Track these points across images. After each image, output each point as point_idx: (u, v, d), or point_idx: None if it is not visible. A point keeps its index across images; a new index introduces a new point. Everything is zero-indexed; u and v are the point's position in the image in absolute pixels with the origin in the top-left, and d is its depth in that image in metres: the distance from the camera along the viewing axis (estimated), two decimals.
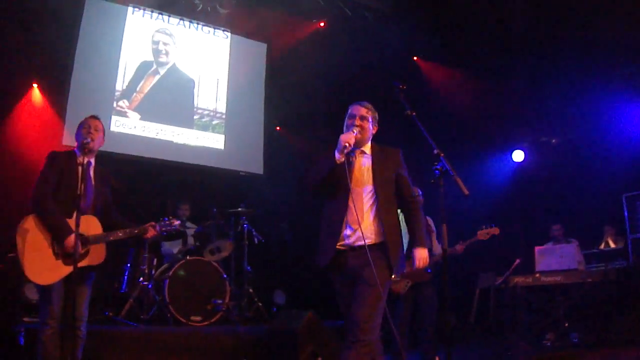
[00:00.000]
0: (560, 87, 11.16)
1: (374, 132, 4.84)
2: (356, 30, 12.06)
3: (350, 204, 4.57)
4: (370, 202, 4.65)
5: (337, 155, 4.47)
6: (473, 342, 9.70)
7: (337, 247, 4.58)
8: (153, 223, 5.48)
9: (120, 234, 5.30)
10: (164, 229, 5.64)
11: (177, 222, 5.75)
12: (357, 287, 4.50)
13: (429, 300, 7.46)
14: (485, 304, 10.63)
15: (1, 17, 8.99)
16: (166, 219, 5.74)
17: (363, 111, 4.75)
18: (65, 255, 5.03)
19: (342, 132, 4.67)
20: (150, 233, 5.47)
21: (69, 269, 4.99)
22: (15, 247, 5.01)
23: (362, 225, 4.51)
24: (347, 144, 4.42)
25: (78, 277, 4.89)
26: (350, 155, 4.60)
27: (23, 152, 8.95)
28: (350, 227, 4.57)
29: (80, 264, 4.95)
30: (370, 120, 4.77)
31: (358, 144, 4.67)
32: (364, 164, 4.74)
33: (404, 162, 4.89)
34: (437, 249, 7.58)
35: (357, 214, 4.49)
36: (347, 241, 4.57)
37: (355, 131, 4.59)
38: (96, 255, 5.11)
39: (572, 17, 10.44)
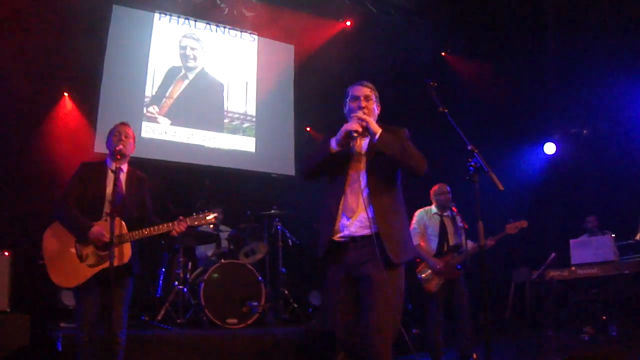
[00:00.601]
0: (591, 77, 11.03)
1: (378, 112, 4.58)
2: (383, 28, 12.02)
3: (349, 190, 4.34)
4: (366, 188, 4.32)
5: (333, 144, 4.31)
6: (510, 337, 9.61)
7: (336, 238, 4.30)
8: (181, 217, 5.47)
9: (145, 232, 5.30)
10: (195, 222, 5.61)
11: (211, 215, 5.72)
12: (361, 286, 4.22)
13: (462, 296, 7.42)
14: (520, 298, 10.55)
15: (31, 28, 9.06)
16: (200, 212, 5.73)
17: (366, 91, 4.47)
18: (89, 258, 5.09)
19: (347, 115, 4.49)
20: (178, 228, 5.43)
21: (93, 271, 5.05)
22: None
23: (359, 214, 4.25)
24: (354, 133, 4.23)
25: (113, 278, 4.91)
26: (351, 140, 4.36)
27: (55, 161, 9.02)
28: (346, 216, 4.30)
29: (104, 265, 5.02)
30: (374, 99, 4.51)
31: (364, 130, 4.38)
32: (364, 147, 4.45)
33: (411, 140, 4.54)
34: (468, 245, 7.53)
35: (358, 201, 4.28)
36: (346, 232, 4.27)
37: (361, 117, 4.29)
38: (120, 256, 5.11)
39: (601, 5, 10.34)
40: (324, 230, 4.36)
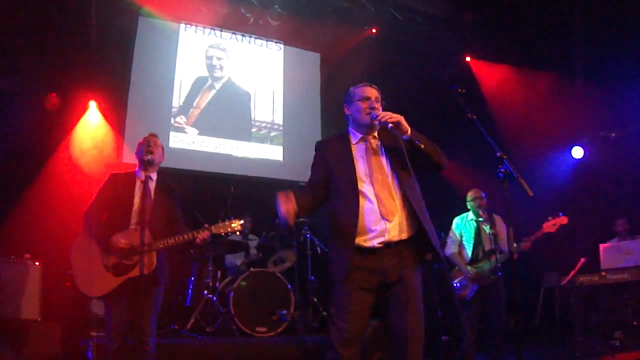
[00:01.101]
0: (619, 79, 10.90)
1: None
2: (408, 35, 12.00)
3: (380, 192, 4.16)
4: (399, 189, 4.22)
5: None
6: (540, 343, 9.51)
7: (368, 244, 4.07)
8: (206, 225, 5.48)
9: (171, 241, 5.31)
10: (221, 230, 5.61)
11: (237, 222, 5.71)
12: (395, 290, 4.10)
13: (496, 302, 7.36)
14: (550, 304, 10.45)
15: (58, 40, 9.15)
16: (226, 219, 5.73)
17: (376, 93, 4.41)
18: (114, 267, 5.11)
19: (356, 115, 4.39)
20: (201, 236, 5.43)
21: (119, 280, 5.10)
22: None
23: (393, 218, 4.12)
24: (392, 125, 4.14)
25: (141, 287, 4.94)
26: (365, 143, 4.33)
27: (83, 171, 9.09)
28: (386, 219, 4.08)
29: (130, 275, 5.09)
30: (380, 101, 4.41)
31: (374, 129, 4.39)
32: (380, 147, 4.38)
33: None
34: (505, 247, 7.47)
35: (395, 203, 4.15)
36: (385, 236, 4.06)
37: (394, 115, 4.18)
38: (146, 264, 5.13)
39: (630, 7, 10.23)
40: (342, 247, 4.13)
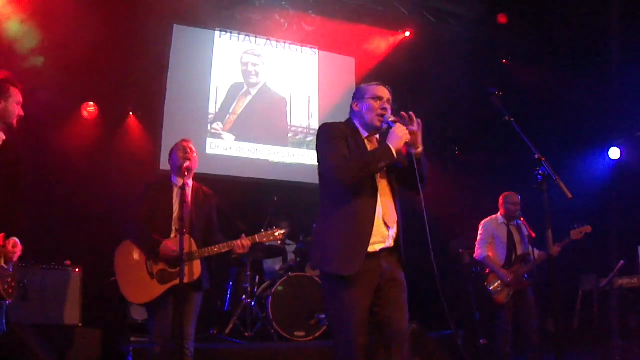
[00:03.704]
0: None
1: None
2: (442, 37, 11.96)
3: (383, 199, 4.13)
4: (396, 197, 4.26)
5: (393, 150, 4.00)
6: (578, 347, 9.41)
7: (373, 249, 4.04)
8: (243, 235, 5.51)
9: (215, 250, 5.36)
10: (264, 239, 5.66)
11: (280, 231, 5.75)
12: (390, 292, 4.09)
13: (530, 306, 7.32)
14: (588, 307, 10.34)
15: (95, 49, 9.26)
16: (269, 228, 5.77)
17: (389, 94, 4.34)
18: (159, 275, 5.17)
19: (366, 113, 4.30)
20: (241, 243, 5.46)
21: (164, 288, 5.15)
22: None
23: (393, 225, 4.14)
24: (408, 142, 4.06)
25: (183, 294, 4.99)
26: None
27: (122, 179, 9.16)
28: (387, 225, 4.10)
29: (175, 282, 5.11)
30: (391, 103, 4.35)
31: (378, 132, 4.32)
32: None
33: None
34: (535, 254, 7.43)
35: (389, 212, 4.14)
36: (389, 241, 4.11)
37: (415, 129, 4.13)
38: (191, 273, 5.19)
39: None
40: (357, 243, 4.02)
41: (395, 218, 4.17)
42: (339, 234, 4.06)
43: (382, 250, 4.09)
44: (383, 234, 4.09)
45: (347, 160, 4.05)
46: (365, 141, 4.30)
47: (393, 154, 3.99)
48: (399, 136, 4.04)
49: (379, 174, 4.17)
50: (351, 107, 4.48)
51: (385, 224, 4.11)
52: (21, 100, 4.35)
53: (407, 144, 4.08)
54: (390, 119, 4.17)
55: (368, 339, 4.00)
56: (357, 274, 3.94)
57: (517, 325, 7.40)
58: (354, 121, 4.41)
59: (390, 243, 4.13)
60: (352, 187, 4.06)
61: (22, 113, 4.35)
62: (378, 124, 4.23)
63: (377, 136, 4.38)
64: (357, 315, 3.96)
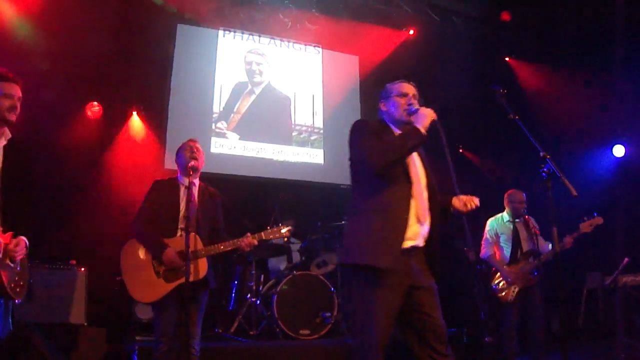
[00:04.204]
0: None
1: None
2: (446, 36, 11.96)
3: (415, 193, 4.06)
4: (426, 189, 4.17)
5: (422, 129, 3.97)
6: (583, 344, 9.40)
7: (406, 246, 3.96)
8: (249, 234, 5.51)
9: (221, 247, 5.37)
10: (270, 236, 5.67)
11: (286, 228, 5.75)
12: (423, 294, 3.99)
13: (537, 304, 7.31)
14: (593, 305, 10.34)
15: (98, 49, 9.28)
16: (274, 225, 5.78)
17: (414, 89, 4.33)
18: (166, 273, 5.18)
19: (394, 111, 4.27)
20: (247, 241, 5.47)
21: (170, 286, 5.15)
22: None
23: (425, 221, 4.07)
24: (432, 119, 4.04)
25: (189, 294, 5.01)
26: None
27: (126, 178, 9.18)
28: (420, 222, 4.03)
29: (181, 281, 5.11)
30: (417, 98, 4.32)
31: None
32: None
33: None
34: (544, 247, 7.43)
35: (425, 205, 4.08)
36: (420, 239, 4.04)
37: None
38: (196, 271, 5.20)
39: None
40: (391, 236, 3.92)
41: (428, 214, 4.11)
42: (373, 226, 3.98)
43: (412, 248, 4.02)
44: (415, 231, 4.03)
45: (378, 146, 4.01)
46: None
47: (422, 132, 3.96)
48: (425, 115, 4.04)
49: (411, 168, 4.15)
50: (379, 108, 4.46)
51: (417, 219, 4.06)
52: (15, 93, 4.24)
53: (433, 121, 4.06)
54: (413, 107, 4.18)
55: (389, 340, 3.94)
56: (390, 270, 3.87)
57: (523, 323, 7.39)
58: (385, 120, 4.38)
59: (421, 241, 4.07)
60: (385, 173, 3.99)
61: (15, 106, 4.26)
62: (406, 118, 4.19)
63: None
64: (386, 313, 3.91)
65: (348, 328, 8.48)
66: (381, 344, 3.87)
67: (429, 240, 4.11)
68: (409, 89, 4.33)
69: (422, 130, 3.97)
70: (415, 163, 4.20)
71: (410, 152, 4.06)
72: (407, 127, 4.10)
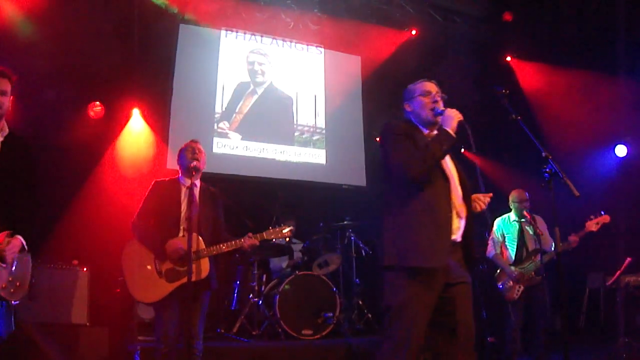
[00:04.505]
0: None
1: None
2: (448, 36, 11.96)
3: (452, 189, 4.15)
4: (460, 185, 4.26)
5: (451, 132, 4.08)
6: (585, 344, 9.39)
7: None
8: (250, 234, 5.51)
9: (223, 247, 5.38)
10: (272, 236, 5.67)
11: (287, 228, 5.75)
12: (457, 290, 4.07)
13: (541, 304, 7.31)
14: (595, 305, 10.33)
15: (100, 49, 9.28)
16: (276, 225, 5.79)
17: (436, 87, 4.38)
18: (167, 273, 5.18)
19: (420, 110, 4.31)
20: (249, 241, 5.47)
21: (172, 287, 5.16)
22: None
23: (463, 215, 4.15)
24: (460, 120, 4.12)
25: (191, 293, 5.00)
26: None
27: (128, 178, 9.20)
28: (459, 217, 4.12)
29: (183, 281, 5.11)
30: (441, 95, 4.37)
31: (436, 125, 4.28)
32: None
33: None
34: (549, 246, 7.42)
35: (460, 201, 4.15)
36: (459, 235, 4.12)
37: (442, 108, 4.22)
38: (198, 271, 5.20)
39: None
40: (440, 235, 4.03)
41: (465, 208, 4.18)
42: (421, 227, 4.02)
43: (453, 243, 4.10)
44: (456, 226, 4.11)
45: (412, 155, 4.05)
46: (428, 138, 4.27)
47: (452, 135, 4.06)
48: (452, 117, 4.13)
49: (446, 164, 4.23)
50: (404, 109, 4.48)
51: (457, 214, 4.13)
52: (3, 87, 4.21)
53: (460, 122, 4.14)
54: (439, 108, 4.24)
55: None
56: (435, 269, 3.98)
57: (525, 323, 7.40)
58: (413, 120, 4.41)
59: (459, 236, 4.13)
60: (424, 180, 4.05)
61: (1, 101, 4.20)
62: (433, 118, 4.26)
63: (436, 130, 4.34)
64: (425, 311, 4.00)
65: (350, 328, 8.50)
66: (418, 344, 3.96)
67: (465, 234, 4.17)
68: (432, 87, 4.38)
69: (452, 133, 4.07)
70: (447, 160, 4.26)
71: (444, 156, 4.14)
72: (437, 132, 4.17)
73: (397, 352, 3.95)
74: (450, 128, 4.07)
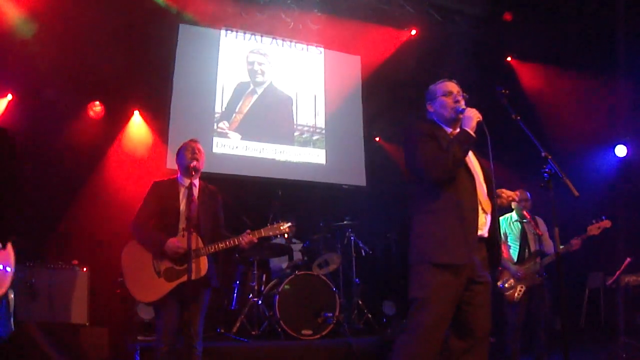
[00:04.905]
0: None
1: None
2: (448, 36, 11.95)
3: (477, 185, 4.20)
4: (484, 182, 4.30)
5: (470, 131, 4.11)
6: (585, 344, 9.39)
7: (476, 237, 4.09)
8: (248, 230, 5.51)
9: (222, 245, 5.37)
10: (270, 232, 5.65)
11: (286, 225, 5.74)
12: (478, 288, 4.12)
13: (542, 304, 7.31)
14: (595, 305, 10.34)
15: (101, 49, 9.29)
16: (274, 222, 5.78)
17: (457, 86, 4.44)
18: (166, 273, 5.19)
19: (442, 110, 4.37)
20: (247, 238, 5.47)
21: (171, 286, 5.16)
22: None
23: (489, 211, 4.19)
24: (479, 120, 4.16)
25: (190, 292, 5.01)
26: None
27: (128, 178, 9.21)
28: (485, 212, 4.17)
29: (182, 280, 5.11)
30: (462, 95, 4.43)
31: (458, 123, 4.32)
32: None
33: None
34: (550, 247, 7.42)
35: (485, 197, 4.20)
36: (485, 230, 4.18)
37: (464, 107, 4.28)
38: (197, 269, 5.19)
39: None
40: (468, 232, 4.07)
41: (490, 204, 4.21)
42: (446, 223, 4.08)
43: (479, 238, 4.15)
44: (482, 221, 4.15)
45: (435, 156, 4.09)
46: (451, 137, 4.31)
47: (472, 135, 4.11)
48: (471, 117, 4.19)
49: (470, 162, 4.26)
50: (426, 110, 4.53)
51: (483, 210, 4.17)
52: None
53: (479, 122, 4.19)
54: (461, 107, 4.30)
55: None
56: (463, 266, 4.03)
57: (526, 323, 7.40)
58: (436, 120, 4.45)
59: (485, 232, 4.17)
60: (447, 180, 4.09)
61: None
62: (455, 116, 4.31)
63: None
64: (451, 309, 4.05)
65: (350, 328, 8.50)
66: (441, 338, 3.99)
67: (491, 229, 4.22)
68: (453, 86, 4.44)
69: (472, 133, 4.11)
70: (470, 158, 4.30)
71: (464, 156, 4.14)
72: (459, 133, 4.21)
73: (419, 344, 3.98)
74: (470, 128, 4.12)
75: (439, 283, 4.02)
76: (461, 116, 4.24)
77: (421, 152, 4.15)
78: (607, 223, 7.20)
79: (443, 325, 4.00)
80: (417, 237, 4.24)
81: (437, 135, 4.23)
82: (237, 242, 5.42)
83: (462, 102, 4.33)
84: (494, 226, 4.22)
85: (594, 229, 7.18)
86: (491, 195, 4.24)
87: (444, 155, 4.06)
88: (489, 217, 4.19)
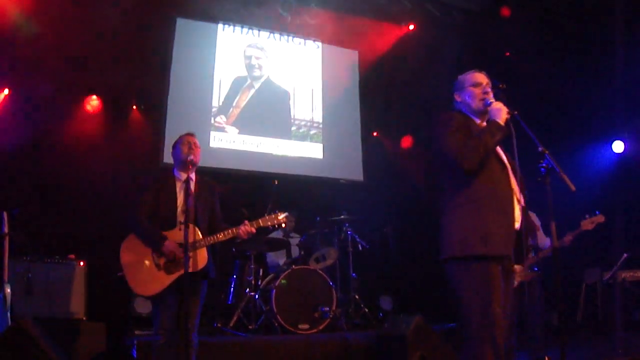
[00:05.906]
0: None
1: None
2: (445, 30, 11.94)
3: (510, 176, 4.20)
4: (515, 172, 4.26)
5: (502, 123, 4.08)
6: (582, 340, 9.40)
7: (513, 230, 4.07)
8: (246, 222, 5.50)
9: (220, 237, 5.38)
10: (268, 222, 5.65)
11: (283, 215, 5.73)
12: (506, 286, 4.07)
13: (536, 299, 7.31)
14: (592, 300, 10.35)
15: (98, 43, 9.28)
16: (271, 212, 5.78)
17: (487, 78, 4.41)
18: (166, 265, 5.20)
19: (470, 101, 4.35)
20: (246, 229, 5.47)
21: (171, 278, 5.16)
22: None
23: (522, 201, 4.16)
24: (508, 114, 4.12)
25: (188, 285, 5.01)
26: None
27: (125, 173, 9.20)
28: (519, 204, 4.14)
29: (181, 272, 5.11)
30: (491, 87, 4.39)
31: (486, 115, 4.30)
32: None
33: None
34: (544, 242, 7.42)
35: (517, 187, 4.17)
36: (518, 222, 4.13)
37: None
38: (196, 262, 5.22)
39: None
40: (506, 222, 4.07)
41: (520, 196, 4.18)
42: (487, 213, 4.03)
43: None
44: (517, 213, 4.13)
45: (466, 146, 4.05)
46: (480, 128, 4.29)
47: (502, 126, 4.07)
48: (499, 109, 4.14)
49: (501, 154, 4.25)
50: (454, 99, 4.50)
51: (518, 200, 4.16)
52: None
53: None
54: (489, 99, 4.27)
55: None
56: (502, 257, 4.01)
57: (521, 319, 7.40)
58: (464, 111, 4.42)
59: (519, 225, 4.14)
60: (477, 171, 4.06)
61: None
62: (483, 108, 4.29)
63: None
64: (502, 299, 3.98)
65: (347, 322, 8.51)
66: (502, 336, 3.94)
67: (522, 222, 4.18)
68: (482, 78, 4.41)
69: (503, 124, 4.08)
70: (499, 149, 4.26)
71: (495, 146, 4.13)
72: (488, 124, 4.18)
73: (484, 350, 3.91)
74: (501, 120, 4.08)
75: (485, 276, 3.96)
76: (489, 108, 4.21)
77: (452, 142, 4.10)
78: (600, 218, 7.21)
79: (500, 321, 3.94)
80: (451, 229, 4.15)
81: (468, 126, 4.21)
82: (235, 233, 5.42)
83: (491, 94, 4.31)
84: (524, 219, 4.18)
85: (587, 224, 7.20)
86: (521, 187, 4.21)
87: (474, 144, 4.03)
88: (521, 209, 4.14)
